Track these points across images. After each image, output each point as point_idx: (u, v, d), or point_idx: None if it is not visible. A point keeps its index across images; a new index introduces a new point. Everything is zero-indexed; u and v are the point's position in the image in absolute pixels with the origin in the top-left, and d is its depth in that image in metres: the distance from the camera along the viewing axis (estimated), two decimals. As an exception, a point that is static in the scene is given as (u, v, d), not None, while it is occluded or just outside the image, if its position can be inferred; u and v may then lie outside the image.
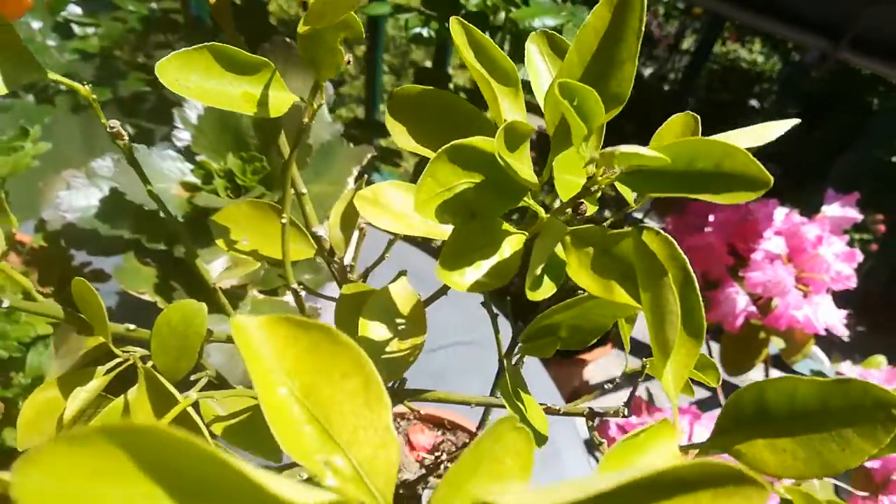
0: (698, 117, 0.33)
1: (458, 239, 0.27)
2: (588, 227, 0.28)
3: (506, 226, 0.29)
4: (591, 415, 0.38)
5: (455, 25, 0.29)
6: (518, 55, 1.07)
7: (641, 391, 1.52)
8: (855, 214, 1.13)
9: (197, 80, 0.29)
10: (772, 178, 0.22)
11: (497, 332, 0.40)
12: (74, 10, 1.28)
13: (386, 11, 1.05)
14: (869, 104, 2.72)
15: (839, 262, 1.07)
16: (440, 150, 0.26)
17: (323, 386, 0.19)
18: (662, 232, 0.25)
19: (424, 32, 0.95)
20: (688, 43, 3.36)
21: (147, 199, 0.60)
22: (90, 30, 1.30)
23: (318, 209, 0.43)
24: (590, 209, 0.30)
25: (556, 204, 0.30)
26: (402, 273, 0.38)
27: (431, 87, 0.30)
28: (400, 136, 0.30)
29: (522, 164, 0.27)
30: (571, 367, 1.45)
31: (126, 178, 0.61)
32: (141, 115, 1.31)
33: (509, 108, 0.30)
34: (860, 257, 1.07)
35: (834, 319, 1.05)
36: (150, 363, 0.35)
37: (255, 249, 0.40)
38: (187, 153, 0.65)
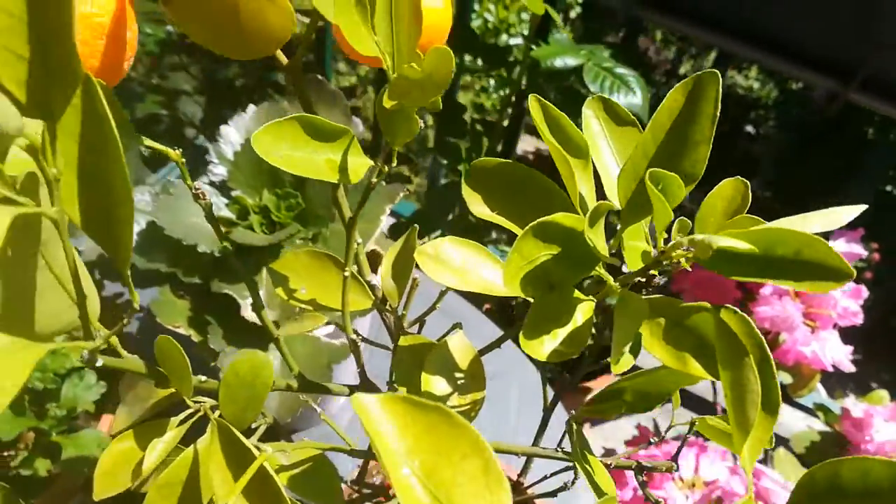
0: (747, 182, 0.34)
1: (539, 310, 0.28)
2: (660, 298, 0.29)
3: (577, 293, 0.31)
4: (639, 468, 0.39)
5: (534, 103, 0.31)
6: (534, 90, 1.08)
7: (647, 421, 1.53)
8: (860, 250, 1.15)
9: (287, 150, 0.30)
10: (854, 271, 0.23)
11: (545, 385, 0.42)
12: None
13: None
14: (865, 133, 2.77)
15: (846, 298, 1.09)
16: (527, 227, 0.27)
17: (444, 467, 0.20)
18: (738, 311, 0.26)
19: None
20: (685, 68, 3.40)
21: (185, 233, 0.61)
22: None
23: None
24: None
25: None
26: (458, 325, 0.39)
27: (507, 161, 0.31)
28: (476, 206, 0.32)
29: (599, 239, 0.29)
30: (576, 395, 1.46)
31: (164, 213, 0.61)
32: (155, 137, 1.32)
33: (581, 179, 0.31)
34: (866, 293, 1.09)
35: (840, 355, 1.07)
36: (217, 413, 0.36)
37: (313, 298, 0.41)
38: (222, 188, 0.66)
